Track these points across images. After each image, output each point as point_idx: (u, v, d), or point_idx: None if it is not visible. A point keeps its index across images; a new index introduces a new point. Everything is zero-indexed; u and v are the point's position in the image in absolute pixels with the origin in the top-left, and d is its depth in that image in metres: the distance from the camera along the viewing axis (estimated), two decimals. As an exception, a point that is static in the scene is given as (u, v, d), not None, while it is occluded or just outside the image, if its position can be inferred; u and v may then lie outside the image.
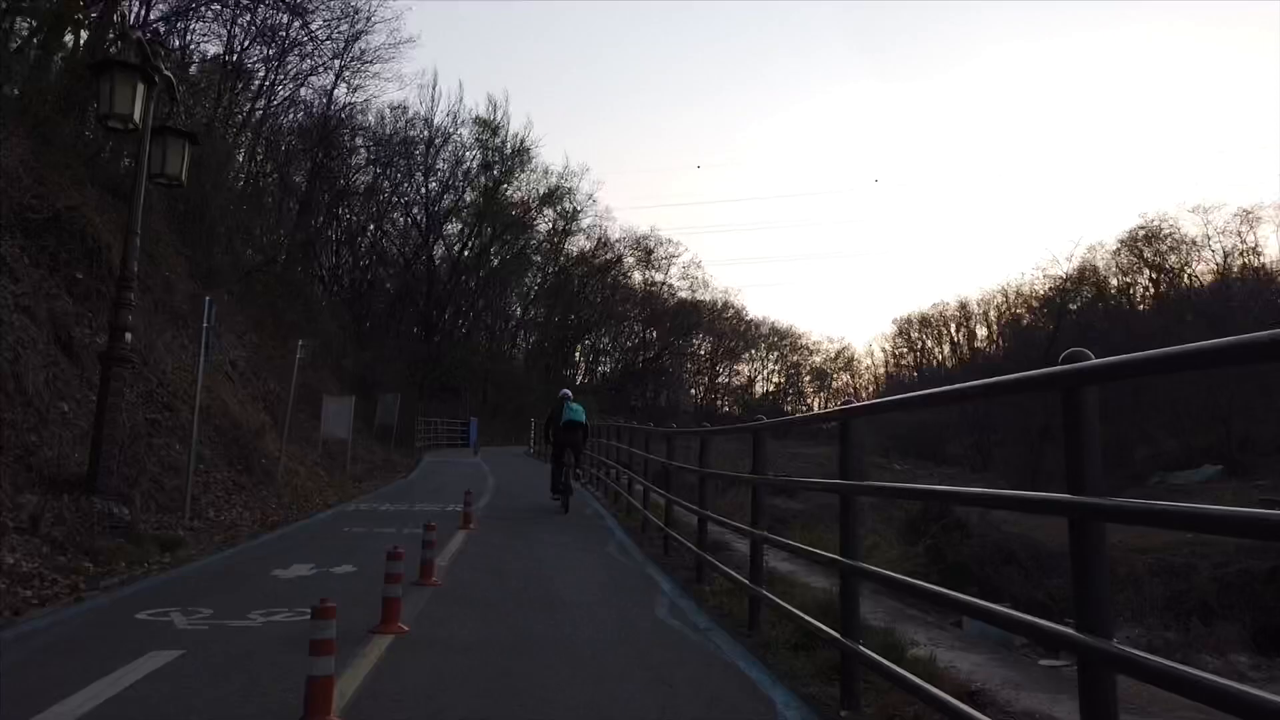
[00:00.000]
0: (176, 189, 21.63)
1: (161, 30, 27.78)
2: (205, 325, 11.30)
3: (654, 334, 71.24)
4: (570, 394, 15.72)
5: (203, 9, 28.70)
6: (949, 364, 74.84)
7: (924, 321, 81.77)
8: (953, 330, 78.93)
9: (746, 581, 6.74)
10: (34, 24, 17.78)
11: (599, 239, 59.44)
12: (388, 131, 44.62)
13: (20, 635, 5.46)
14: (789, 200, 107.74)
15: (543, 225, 54.01)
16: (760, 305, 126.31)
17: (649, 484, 12.68)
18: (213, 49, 31.47)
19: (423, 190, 46.71)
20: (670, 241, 75.60)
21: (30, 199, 12.66)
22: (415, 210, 47.32)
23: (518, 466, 26.59)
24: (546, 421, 15.76)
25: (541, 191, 51.00)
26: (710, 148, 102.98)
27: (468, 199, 48.72)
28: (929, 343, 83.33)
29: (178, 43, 30.09)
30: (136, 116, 9.07)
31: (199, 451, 12.95)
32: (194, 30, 29.77)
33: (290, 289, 26.24)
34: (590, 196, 67.93)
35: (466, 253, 49.47)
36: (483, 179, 47.81)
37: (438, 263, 48.88)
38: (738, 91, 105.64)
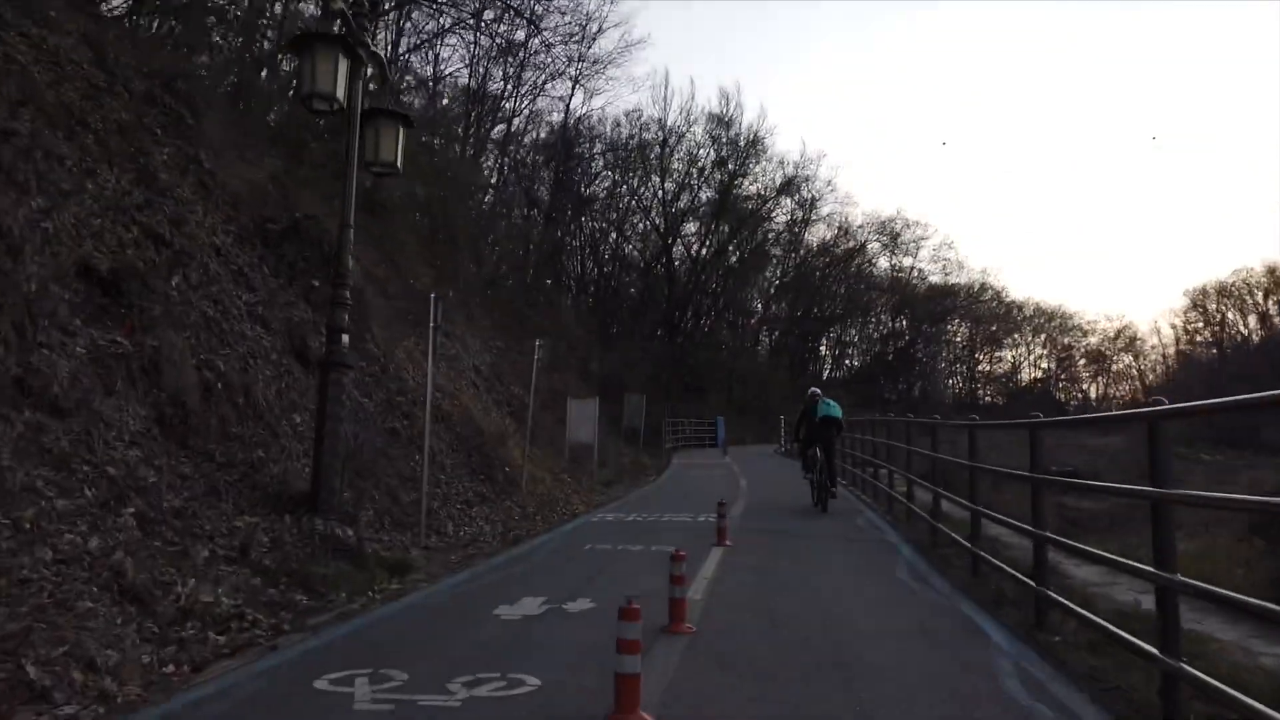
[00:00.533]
0: (424, 208, 21.58)
1: (412, 61, 28.68)
2: (433, 325, 10.34)
3: (904, 323, 66.74)
4: (820, 391, 14.71)
5: (448, 33, 29.43)
6: (1256, 337, 64.44)
7: (1223, 291, 70.61)
8: (1260, 299, 67.57)
9: (1156, 652, 4.34)
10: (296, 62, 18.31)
11: (840, 226, 56.21)
12: (623, 136, 44.37)
13: (169, 714, 4.24)
14: (1049, 169, 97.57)
15: (780, 216, 51.75)
16: (1023, 285, 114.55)
17: (940, 490, 10.27)
18: (452, 69, 32.27)
19: (659, 192, 46.08)
20: (918, 223, 70.29)
21: (273, 211, 12.46)
22: (653, 213, 46.81)
23: (769, 467, 24.63)
24: (798, 419, 14.88)
25: (778, 182, 48.75)
26: (955, 121, 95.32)
27: (703, 197, 47.56)
28: (1231, 315, 71.79)
29: (431, 70, 31.16)
30: (340, 94, 8.08)
31: (440, 462, 12.14)
32: (442, 58, 30.72)
33: (535, 295, 25.96)
34: (829, 183, 64.70)
35: (705, 251, 48.29)
36: (718, 175, 46.42)
37: (677, 264, 48.06)
38: (982, 54, 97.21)
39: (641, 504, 15.15)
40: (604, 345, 34.84)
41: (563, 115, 39.40)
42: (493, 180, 34.94)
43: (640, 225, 48.21)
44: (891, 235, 59.87)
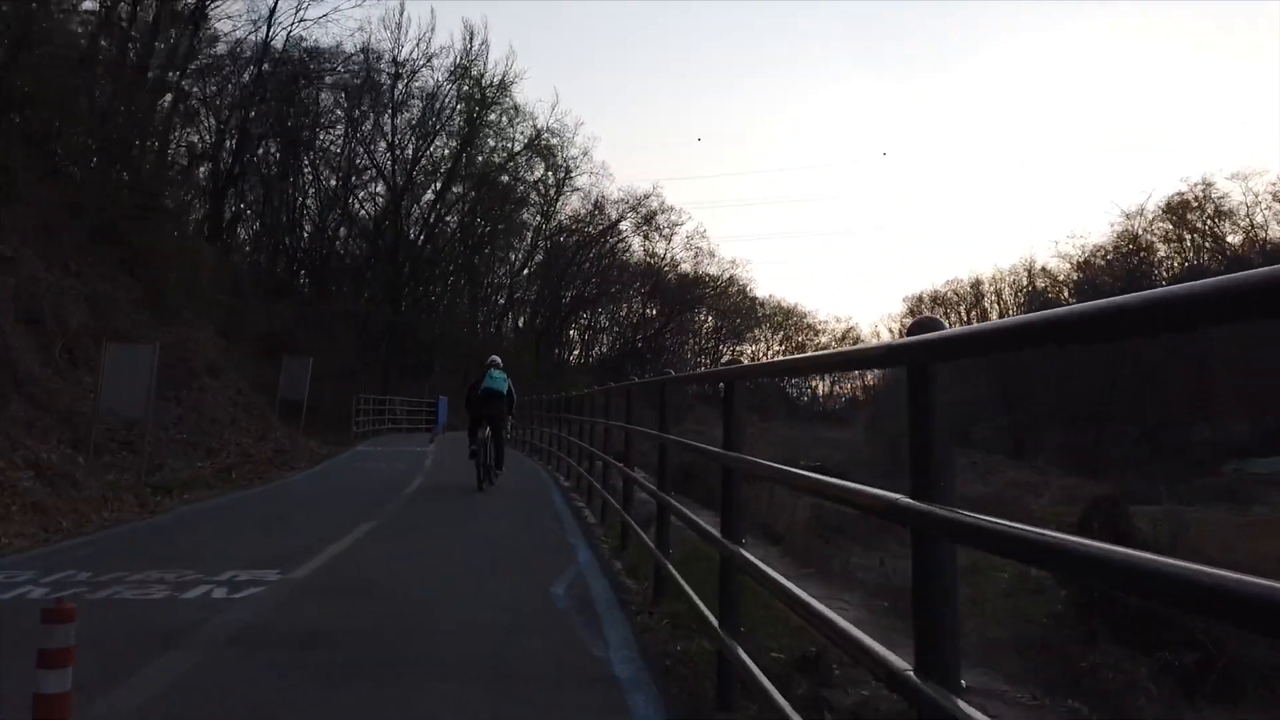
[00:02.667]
0: None
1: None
2: None
3: (654, 310, 62.63)
4: (499, 360, 12.42)
5: None
6: (960, 343, 67.20)
7: (936, 300, 73.30)
8: (963, 310, 70.56)
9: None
10: None
11: (595, 202, 50.29)
12: (354, 71, 35.32)
13: None
14: (793, 174, 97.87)
15: (531, 175, 44.38)
16: (765, 283, 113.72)
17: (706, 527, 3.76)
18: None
19: (390, 136, 37.36)
20: (673, 209, 65.62)
21: None
22: (382, 157, 38.04)
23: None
24: (470, 386, 12.74)
25: (528, 135, 41.43)
26: (712, 120, 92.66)
27: (444, 152, 39.27)
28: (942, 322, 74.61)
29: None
30: None
31: None
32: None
33: (160, 218, 17.16)
34: (585, 153, 57.67)
35: (442, 208, 40.31)
36: (458, 121, 38.52)
37: (413, 224, 39.54)
38: (740, 61, 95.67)
39: (170, 535, 7.54)
40: (272, 294, 26.21)
41: (264, 28, 29.89)
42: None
43: (375, 185, 39.25)
44: (647, 216, 54.91)
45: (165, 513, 8.82)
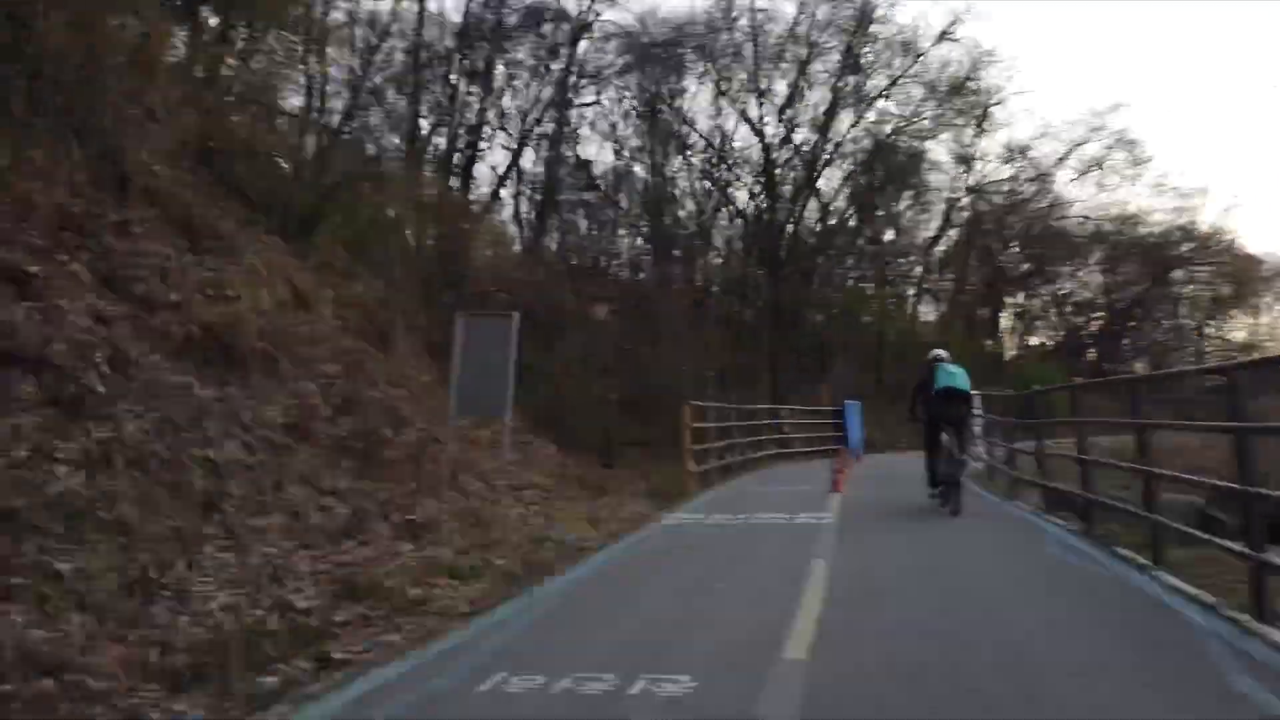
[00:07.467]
0: None
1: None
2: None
3: (1114, 280, 44.47)
4: (945, 354, 9.25)
5: None
6: None
7: None
8: None
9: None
10: None
11: (1021, 148, 34.78)
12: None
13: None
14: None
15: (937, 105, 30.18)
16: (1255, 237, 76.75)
17: None
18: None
19: (754, 72, 26.53)
20: (1135, 142, 44.16)
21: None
22: (745, 107, 27.41)
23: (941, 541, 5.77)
24: (914, 390, 9.64)
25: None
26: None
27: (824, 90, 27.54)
28: None
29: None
30: None
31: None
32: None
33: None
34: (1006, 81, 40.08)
35: (831, 156, 28.59)
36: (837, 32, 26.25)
37: (789, 184, 28.34)
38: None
39: None
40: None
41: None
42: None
43: (748, 150, 28.69)
44: (1096, 161, 37.36)
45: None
